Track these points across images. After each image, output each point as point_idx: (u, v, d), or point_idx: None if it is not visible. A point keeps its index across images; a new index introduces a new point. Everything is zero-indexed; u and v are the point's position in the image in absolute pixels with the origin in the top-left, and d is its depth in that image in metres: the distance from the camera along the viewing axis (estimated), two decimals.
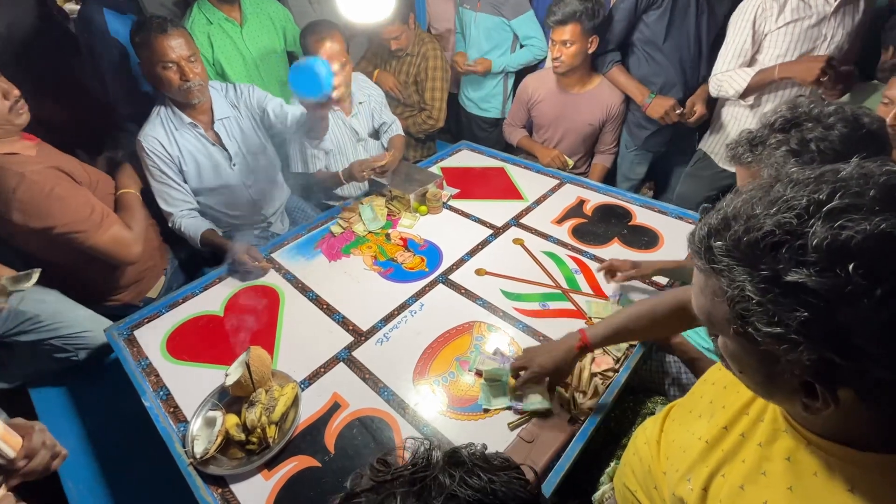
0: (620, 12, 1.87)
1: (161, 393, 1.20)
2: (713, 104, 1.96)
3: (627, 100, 2.06)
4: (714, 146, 1.94)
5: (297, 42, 2.11)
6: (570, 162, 2.13)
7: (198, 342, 1.33)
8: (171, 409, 1.16)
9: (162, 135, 1.55)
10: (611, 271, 1.39)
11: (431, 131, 2.44)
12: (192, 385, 1.20)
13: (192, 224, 1.62)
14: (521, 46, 2.34)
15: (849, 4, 1.56)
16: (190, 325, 1.39)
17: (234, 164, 1.71)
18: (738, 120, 1.83)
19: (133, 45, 1.48)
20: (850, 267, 0.36)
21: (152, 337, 1.35)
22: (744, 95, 1.72)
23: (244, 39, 1.97)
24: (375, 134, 2.06)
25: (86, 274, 1.50)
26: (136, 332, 1.37)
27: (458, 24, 2.42)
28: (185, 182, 1.65)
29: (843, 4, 1.55)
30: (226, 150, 1.67)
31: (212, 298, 1.48)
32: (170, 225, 1.65)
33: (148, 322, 1.40)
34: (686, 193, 2.07)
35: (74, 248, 1.37)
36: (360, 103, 1.95)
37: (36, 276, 1.15)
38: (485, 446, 0.48)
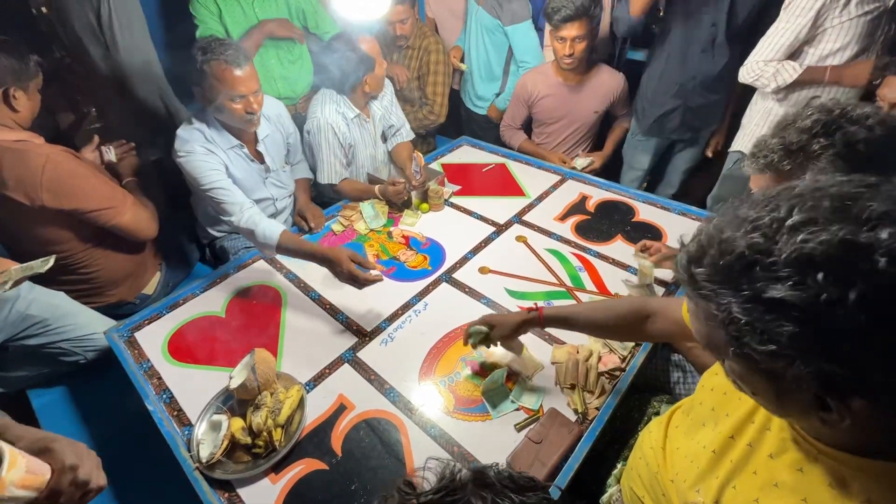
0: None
1: (164, 396, 1.18)
2: (744, 103, 1.90)
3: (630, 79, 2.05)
4: (749, 144, 1.90)
5: (320, 25, 2.08)
6: (581, 163, 2.13)
7: (200, 344, 1.32)
8: (175, 413, 1.15)
9: (209, 145, 1.51)
10: (645, 250, 1.42)
11: (432, 127, 2.42)
12: (195, 388, 1.19)
13: (268, 223, 1.39)
14: (514, 56, 2.30)
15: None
16: (191, 327, 1.38)
17: (268, 179, 1.70)
18: (775, 117, 1.78)
19: (196, 67, 1.40)
20: (819, 277, 0.37)
21: (153, 338, 1.34)
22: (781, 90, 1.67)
23: (255, 12, 1.93)
24: (383, 136, 2.02)
25: (88, 264, 1.49)
26: (136, 334, 1.35)
27: (465, 17, 2.39)
28: None
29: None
30: (264, 165, 1.67)
31: (213, 299, 1.46)
32: (237, 222, 1.42)
33: (149, 323, 1.39)
34: (724, 196, 1.99)
35: (98, 231, 1.42)
36: (378, 105, 1.91)
37: (52, 261, 1.15)
38: (509, 464, 0.47)
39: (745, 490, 0.58)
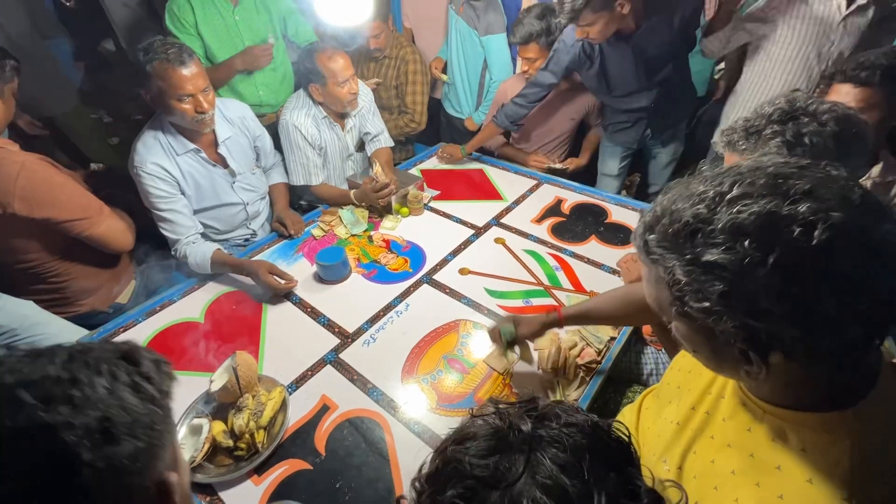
0: (549, 74, 1.88)
1: None
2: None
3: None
4: None
5: (300, 33, 2.12)
6: (557, 165, 2.20)
7: (178, 350, 1.30)
8: None
9: (164, 159, 1.48)
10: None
11: (412, 134, 2.46)
12: (175, 393, 1.17)
13: (198, 250, 1.50)
14: (488, 67, 2.37)
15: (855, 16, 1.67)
16: (169, 333, 1.36)
17: (235, 183, 1.68)
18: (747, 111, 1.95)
19: (140, 69, 1.39)
20: (746, 243, 0.43)
21: None
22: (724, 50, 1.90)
23: (236, 20, 1.93)
24: (361, 145, 2.04)
25: (58, 273, 1.45)
26: None
27: (446, 25, 2.45)
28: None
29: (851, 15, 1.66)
30: (228, 169, 1.65)
31: (191, 305, 1.45)
32: (175, 254, 1.55)
33: (124, 331, 1.36)
34: None
35: (70, 239, 1.37)
36: (355, 115, 1.93)
37: None
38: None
39: (703, 453, 0.63)
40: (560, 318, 1.08)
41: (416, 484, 0.47)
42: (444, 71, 2.51)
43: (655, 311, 0.56)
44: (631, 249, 1.59)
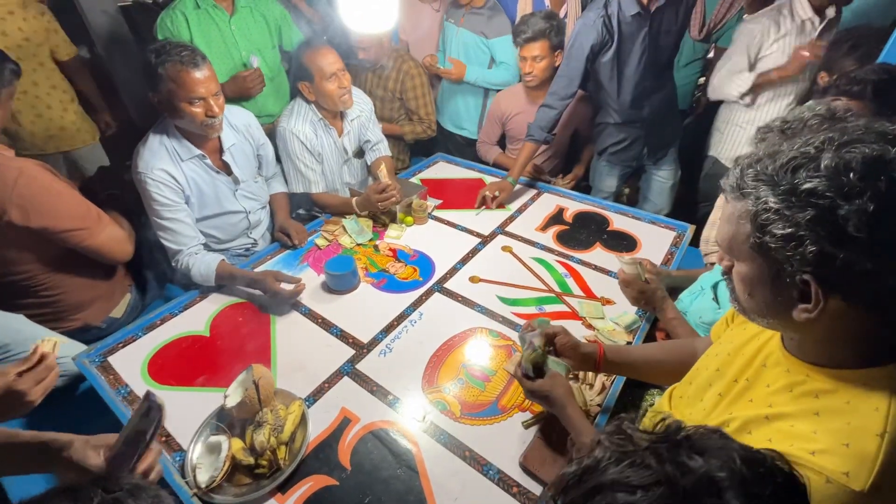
0: (574, 61, 1.85)
1: None
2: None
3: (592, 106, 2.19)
4: (720, 150, 2.22)
5: (294, 42, 2.10)
6: (560, 184, 2.23)
7: (184, 365, 1.25)
8: (163, 438, 1.07)
9: (170, 165, 1.44)
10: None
11: (425, 138, 2.49)
12: (183, 411, 1.12)
13: (202, 261, 1.46)
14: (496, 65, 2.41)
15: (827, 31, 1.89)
16: (173, 347, 1.30)
17: (238, 191, 1.64)
18: (738, 125, 2.12)
19: (150, 72, 1.35)
20: (851, 175, 0.48)
21: (130, 362, 1.25)
22: (744, 96, 2.02)
23: (232, 30, 1.90)
24: (360, 152, 2.03)
25: (50, 286, 1.38)
26: (110, 359, 1.26)
27: (440, 40, 2.47)
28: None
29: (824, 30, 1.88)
30: (232, 176, 1.61)
31: (195, 318, 1.39)
32: (176, 265, 1.49)
33: (123, 347, 1.29)
34: (708, 190, 2.28)
35: (64, 250, 1.31)
36: (353, 120, 1.91)
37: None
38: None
39: (742, 414, 0.66)
40: (599, 363, 1.02)
41: None
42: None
43: (724, 251, 0.62)
44: (626, 257, 1.62)
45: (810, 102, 0.97)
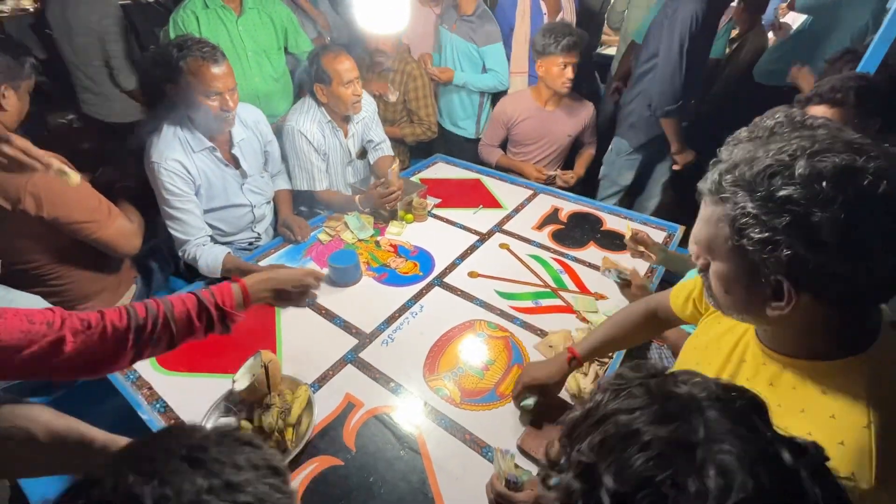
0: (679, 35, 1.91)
1: (158, 405, 1.14)
2: None
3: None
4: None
5: (299, 45, 2.15)
6: (559, 181, 2.29)
7: (192, 352, 1.27)
8: (172, 422, 1.10)
9: (182, 156, 1.48)
10: (638, 242, 1.50)
11: (426, 140, 2.55)
12: (191, 396, 1.16)
13: (209, 252, 1.51)
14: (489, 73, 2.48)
15: None
16: None
17: (245, 184, 1.68)
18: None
19: (171, 64, 1.40)
20: (823, 183, 0.51)
21: None
22: None
23: (239, 30, 1.96)
24: (363, 153, 2.08)
25: (58, 276, 1.40)
26: None
27: (436, 43, 2.53)
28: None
29: None
30: (240, 170, 1.65)
31: None
32: (183, 256, 1.54)
33: None
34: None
35: (74, 242, 1.33)
36: (358, 122, 1.95)
37: None
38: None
39: None
40: (579, 360, 1.09)
41: (581, 457, 0.43)
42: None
43: (701, 251, 0.64)
44: (626, 255, 1.68)
45: (771, 111, 1.02)
